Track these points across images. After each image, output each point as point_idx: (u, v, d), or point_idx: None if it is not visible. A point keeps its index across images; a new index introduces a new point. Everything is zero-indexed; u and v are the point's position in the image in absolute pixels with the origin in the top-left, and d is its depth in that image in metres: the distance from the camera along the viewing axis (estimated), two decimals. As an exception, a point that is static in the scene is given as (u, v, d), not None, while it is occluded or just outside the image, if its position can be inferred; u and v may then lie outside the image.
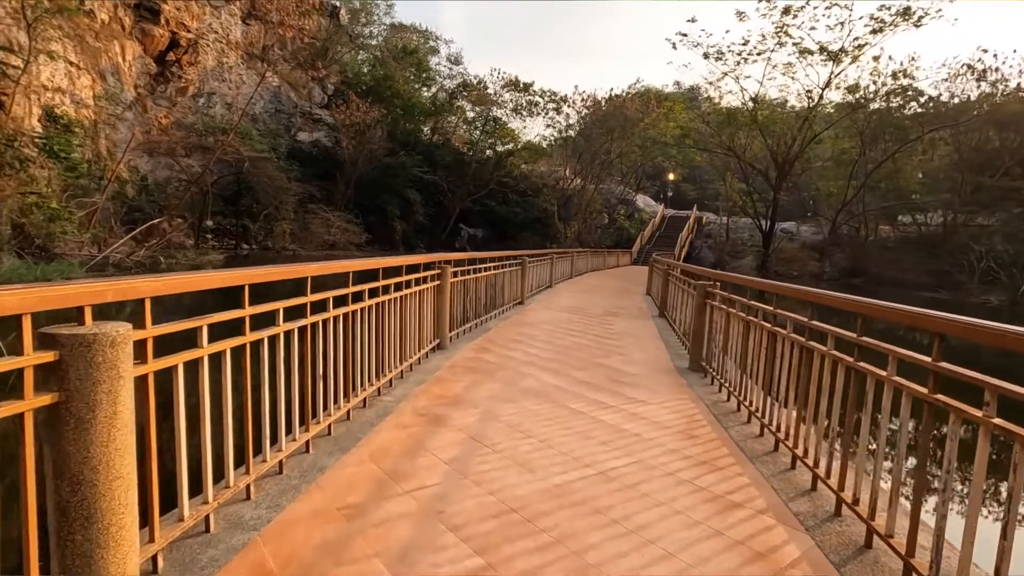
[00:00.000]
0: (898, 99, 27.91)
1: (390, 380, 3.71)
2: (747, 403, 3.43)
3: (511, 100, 35.61)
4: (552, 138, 36.65)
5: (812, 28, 25.38)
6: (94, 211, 16.35)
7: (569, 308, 8.79)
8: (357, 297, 3.11)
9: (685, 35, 26.55)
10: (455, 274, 5.35)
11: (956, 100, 27.91)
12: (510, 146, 36.92)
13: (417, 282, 4.23)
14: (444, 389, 3.72)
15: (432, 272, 4.68)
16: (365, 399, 3.26)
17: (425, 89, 39.91)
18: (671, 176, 42.68)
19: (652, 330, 7.02)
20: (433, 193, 34.27)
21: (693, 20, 27.13)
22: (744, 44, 26.57)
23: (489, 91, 35.70)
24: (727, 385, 3.88)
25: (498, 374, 4.20)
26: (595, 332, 6.54)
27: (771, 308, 3.12)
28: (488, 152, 36.86)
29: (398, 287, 3.83)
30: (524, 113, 35.82)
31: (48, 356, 1.26)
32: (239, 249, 25.96)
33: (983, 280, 23.30)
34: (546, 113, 35.66)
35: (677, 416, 3.41)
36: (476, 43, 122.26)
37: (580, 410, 3.40)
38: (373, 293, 3.40)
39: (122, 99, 26.78)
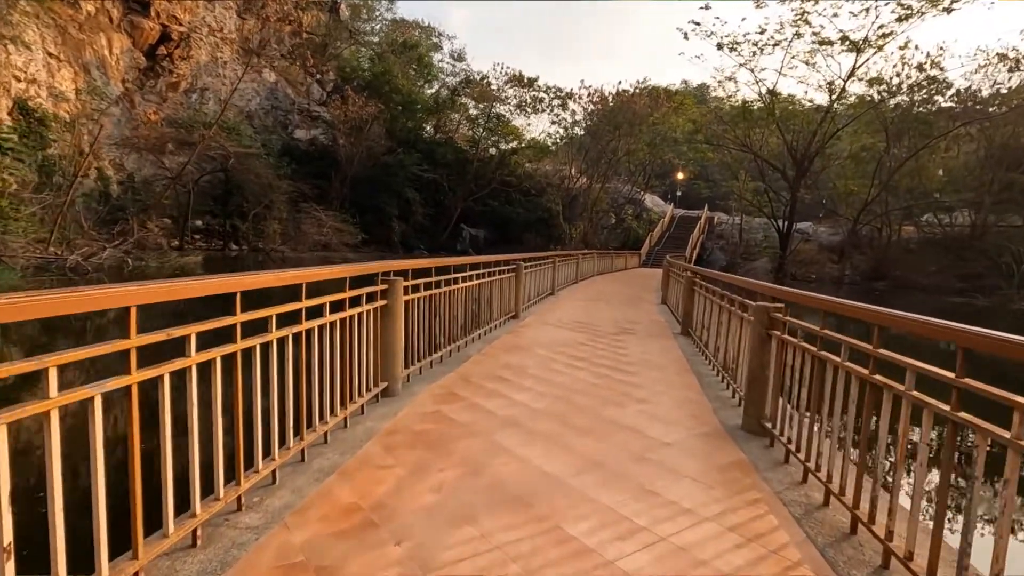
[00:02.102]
0: (923, 93, 26.22)
1: (273, 473, 2.28)
2: (867, 520, 1.99)
3: (515, 96, 34.34)
4: (557, 135, 35.27)
5: (835, 15, 23.73)
6: (59, 210, 15.10)
7: (572, 323, 7.35)
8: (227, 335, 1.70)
9: (698, 24, 25.05)
10: (414, 289, 3.92)
11: (985, 92, 26.19)
12: (513, 144, 35.64)
13: (346, 304, 2.83)
14: (357, 491, 2.26)
15: (373, 290, 3.26)
16: (195, 534, 1.84)
17: (427, 86, 38.72)
18: (680, 175, 41.16)
19: (677, 356, 5.56)
20: (433, 192, 33.14)
21: (707, 7, 25.54)
22: (761, 33, 25.04)
23: (492, 87, 34.42)
24: (818, 472, 2.42)
25: (459, 449, 2.74)
26: (605, 360, 5.09)
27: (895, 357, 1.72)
28: (491, 150, 35.62)
29: (315, 313, 2.44)
30: (528, 110, 34.55)
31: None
32: (226, 250, 24.73)
33: (1024, 284, 21.60)
34: (551, 110, 34.30)
35: (755, 552, 1.96)
36: (482, 44, 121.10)
37: (587, 545, 1.93)
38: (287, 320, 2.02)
39: (107, 94, 25.61)
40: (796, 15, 24.13)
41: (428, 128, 36.97)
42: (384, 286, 3.40)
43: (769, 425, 3.10)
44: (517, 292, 7.31)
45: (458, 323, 5.01)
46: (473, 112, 35.86)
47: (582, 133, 35.53)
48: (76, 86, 24.52)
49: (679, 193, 45.15)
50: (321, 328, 2.58)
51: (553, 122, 34.36)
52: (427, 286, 4.19)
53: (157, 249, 17.17)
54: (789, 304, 3.15)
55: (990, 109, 26.66)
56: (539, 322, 7.29)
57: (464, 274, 5.11)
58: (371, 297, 3.24)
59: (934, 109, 26.87)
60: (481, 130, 34.43)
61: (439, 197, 33.29)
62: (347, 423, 2.94)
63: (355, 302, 2.99)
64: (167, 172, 24.05)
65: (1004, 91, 25.49)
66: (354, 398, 3.05)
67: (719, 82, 27.96)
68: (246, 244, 25.59)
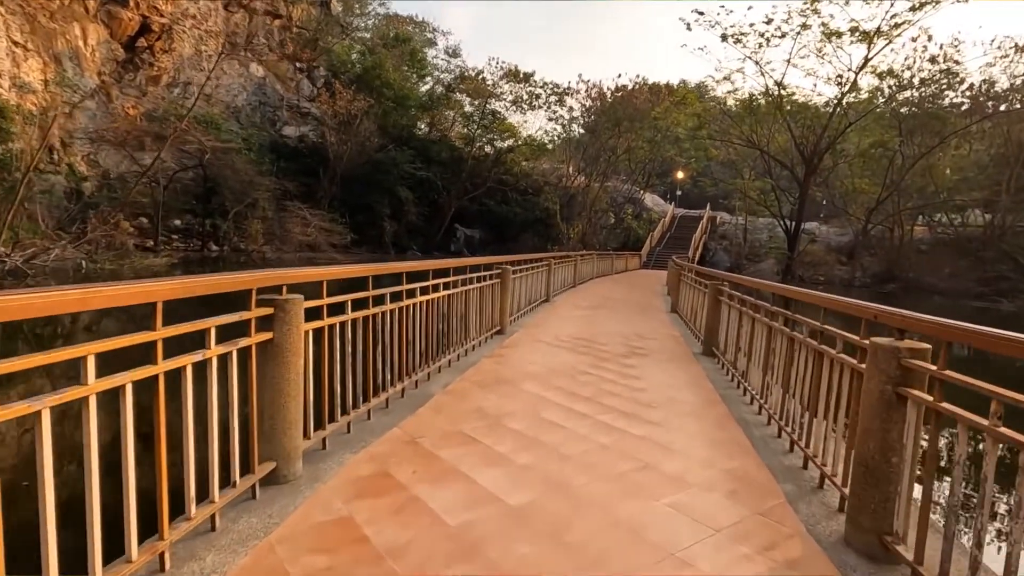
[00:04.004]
0: (935, 87, 24.98)
1: None
2: None
3: (510, 92, 33.11)
4: (555, 133, 34.05)
5: (846, 2, 22.43)
6: (10, 209, 13.77)
7: (571, 341, 6.05)
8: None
9: (702, 13, 23.75)
10: (334, 310, 2.61)
11: (1003, 86, 24.97)
12: (509, 142, 34.43)
13: (157, 352, 1.56)
14: None
15: (237, 319, 1.97)
16: None
17: (421, 82, 37.52)
18: (680, 174, 39.92)
19: (708, 392, 4.25)
20: (427, 191, 32.00)
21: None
22: (767, 23, 23.78)
23: (487, 82, 33.19)
24: None
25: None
26: (616, 401, 3.79)
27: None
28: (486, 148, 34.43)
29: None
30: (525, 106, 33.33)
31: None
32: (205, 251, 23.41)
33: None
34: (548, 106, 33.06)
35: None
36: (483, 45, 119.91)
37: None
38: None
39: (80, 86, 24.29)
40: (805, 3, 22.87)
41: (422, 126, 35.91)
42: (265, 310, 2.10)
43: (904, 551, 1.81)
44: (503, 302, 6.00)
45: (415, 349, 3.70)
46: (468, 109, 34.67)
47: (580, 131, 34.32)
48: (45, 77, 23.19)
49: (679, 192, 44.04)
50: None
51: (550, 119, 33.15)
52: (359, 304, 2.89)
53: (119, 249, 15.78)
54: (930, 339, 1.88)
55: (1002, 107, 25.45)
56: (530, 339, 5.98)
57: (426, 283, 3.81)
58: (251, 322, 1.96)
59: (946, 104, 25.66)
60: (476, 127, 33.21)
61: (433, 196, 32.16)
62: (164, 564, 1.64)
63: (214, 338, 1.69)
64: (141, 168, 22.72)
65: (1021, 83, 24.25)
66: (188, 512, 1.75)
67: (717, 81, 26.84)
68: (227, 245, 24.30)
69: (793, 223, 27.29)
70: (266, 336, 2.13)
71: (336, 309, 2.69)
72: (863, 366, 2.12)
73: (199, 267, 20.75)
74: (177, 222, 24.26)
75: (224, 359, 1.89)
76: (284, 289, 2.23)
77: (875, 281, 25.99)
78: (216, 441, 1.87)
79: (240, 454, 2.02)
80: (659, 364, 5.07)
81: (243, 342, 1.97)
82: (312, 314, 2.46)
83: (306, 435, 2.46)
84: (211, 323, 1.78)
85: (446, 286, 4.20)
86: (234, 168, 21.12)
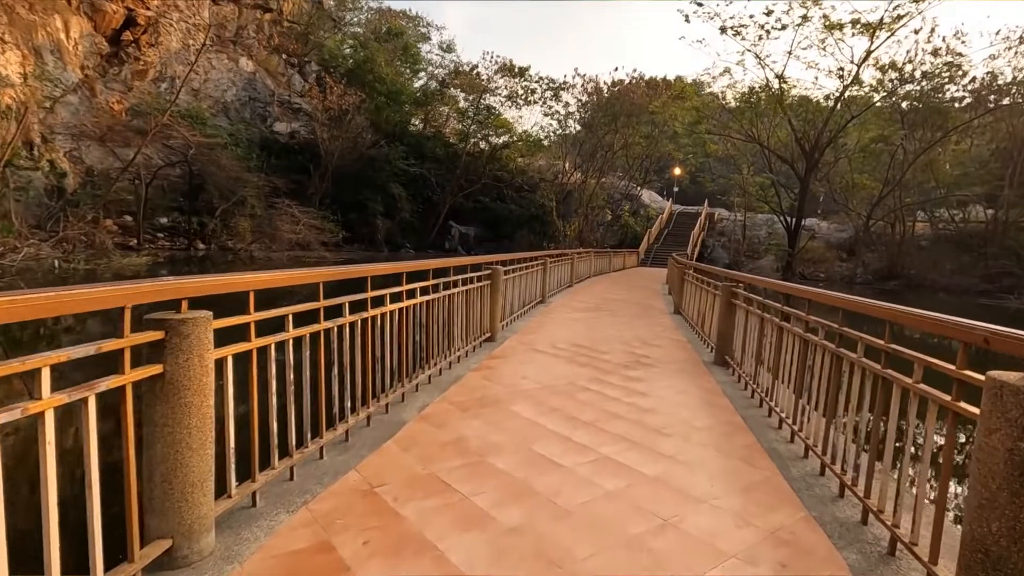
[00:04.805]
0: (936, 80, 24.46)
1: None
2: None
3: (505, 87, 32.48)
4: (551, 129, 33.45)
5: (847, -7, 21.88)
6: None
7: (569, 348, 5.48)
8: None
9: (700, 4, 23.15)
10: (242, 334, 2.03)
11: (1007, 78, 24.45)
12: (505, 138, 33.86)
13: None
14: None
15: (118, 345, 1.39)
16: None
17: (414, 78, 36.87)
18: (678, 171, 39.36)
19: (727, 412, 3.69)
20: (421, 188, 31.47)
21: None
22: (768, 14, 23.18)
23: (481, 76, 32.58)
24: None
25: None
26: (622, 425, 3.21)
27: None
28: (481, 144, 33.86)
29: None
30: (520, 101, 32.72)
31: None
32: (192, 249, 22.75)
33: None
34: (543, 101, 32.45)
35: None
36: (474, 45, 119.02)
37: None
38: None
39: (62, 80, 23.56)
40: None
41: (416, 122, 35.32)
42: (150, 335, 1.52)
43: None
44: (493, 306, 5.42)
45: (385, 367, 3.11)
46: (463, 104, 34.07)
47: (577, 127, 33.72)
48: (25, 71, 22.44)
49: (676, 189, 43.58)
50: None
51: (546, 114, 32.55)
52: (305, 319, 2.31)
53: (98, 248, 15.10)
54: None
55: (1005, 101, 24.97)
56: (523, 347, 5.40)
57: (399, 289, 3.23)
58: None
59: (947, 98, 25.16)
60: (471, 123, 32.61)
61: (427, 193, 31.63)
62: None
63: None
64: (125, 164, 22.03)
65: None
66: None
67: (714, 77, 26.28)
68: (215, 243, 23.65)
69: (793, 219, 26.77)
70: (153, 370, 1.55)
71: (272, 325, 2.12)
72: (969, 408, 1.56)
73: (185, 266, 20.12)
74: (164, 220, 23.61)
75: (78, 407, 1.32)
76: (184, 304, 1.64)
77: (877, 278, 25.54)
78: (66, 521, 1.29)
79: (118, 534, 1.45)
80: (667, 376, 4.50)
81: (107, 383, 1.39)
82: (235, 335, 1.88)
83: (226, 493, 1.88)
84: (43, 361, 1.20)
85: (424, 291, 3.61)
86: (220, 164, 20.45)
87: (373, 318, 2.90)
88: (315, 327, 2.38)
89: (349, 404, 2.69)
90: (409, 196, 30.73)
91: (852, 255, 27.58)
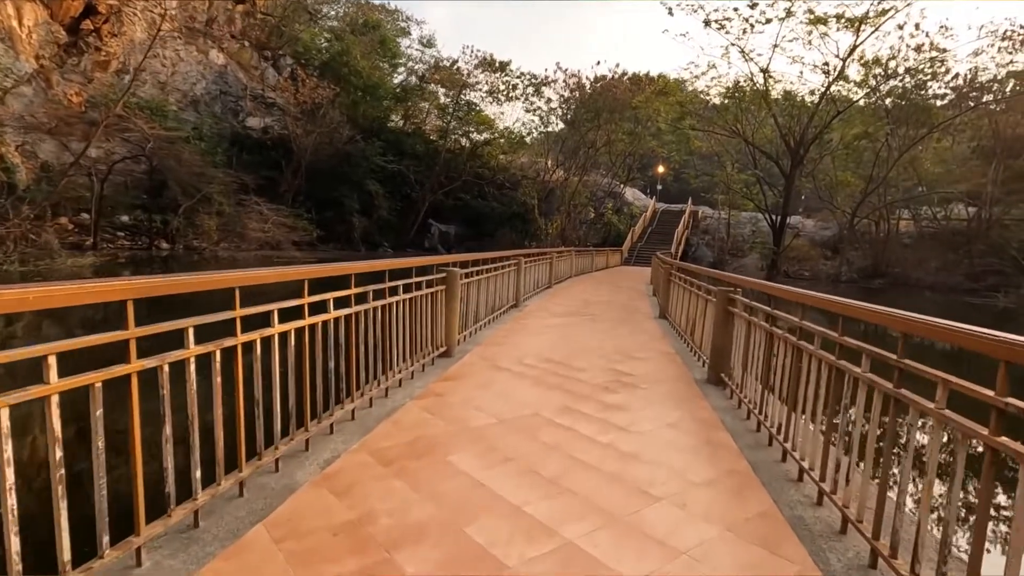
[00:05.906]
0: (918, 76, 24.15)
1: None
2: None
3: (486, 82, 31.62)
4: (532, 126, 32.68)
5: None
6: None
7: (539, 363, 4.68)
8: None
9: (685, -4, 22.51)
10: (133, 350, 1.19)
11: (991, 75, 24.25)
12: (486, 134, 33.06)
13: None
14: None
15: None
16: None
17: (394, 73, 35.87)
18: (661, 168, 38.89)
19: (731, 457, 2.92)
20: (399, 185, 30.55)
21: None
22: (752, 7, 22.63)
23: (462, 71, 31.69)
24: None
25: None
26: (593, 486, 2.42)
27: None
28: (462, 140, 33.01)
29: None
30: (501, 97, 31.87)
31: None
32: (154, 249, 21.55)
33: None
34: (525, 97, 31.67)
35: None
36: (458, 45, 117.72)
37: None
38: None
39: (15, 70, 22.17)
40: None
41: (396, 118, 34.36)
42: None
43: None
44: (449, 315, 4.60)
45: (274, 413, 2.28)
46: (443, 100, 33.19)
47: (559, 124, 33.03)
48: (-29, 60, 21.09)
49: (659, 187, 43.16)
50: None
51: (528, 110, 31.76)
52: (151, 346, 1.47)
53: (43, 248, 13.96)
54: None
55: (986, 97, 24.80)
56: (484, 364, 4.58)
57: (296, 302, 2.39)
58: None
59: (929, 95, 24.91)
60: (451, 119, 31.72)
61: (406, 190, 30.72)
62: None
63: None
64: (82, 161, 20.75)
65: (1014, 71, 23.52)
66: None
67: (697, 76, 25.72)
68: (180, 243, 22.47)
69: (778, 217, 26.32)
70: None
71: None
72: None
73: (147, 267, 18.97)
74: (125, 218, 22.38)
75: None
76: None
77: (862, 276, 25.26)
78: None
79: None
80: (654, 403, 3.73)
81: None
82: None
83: None
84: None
85: (341, 302, 2.77)
86: (181, 159, 19.28)
87: (250, 343, 2.07)
88: (124, 368, 1.53)
89: (199, 474, 1.85)
90: (387, 193, 29.83)
91: (836, 253, 27.27)
